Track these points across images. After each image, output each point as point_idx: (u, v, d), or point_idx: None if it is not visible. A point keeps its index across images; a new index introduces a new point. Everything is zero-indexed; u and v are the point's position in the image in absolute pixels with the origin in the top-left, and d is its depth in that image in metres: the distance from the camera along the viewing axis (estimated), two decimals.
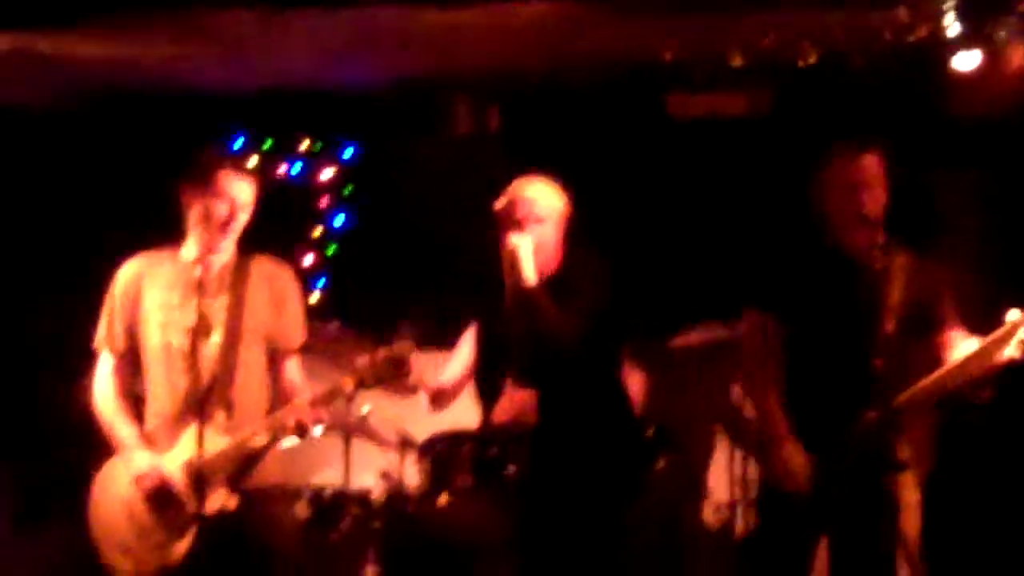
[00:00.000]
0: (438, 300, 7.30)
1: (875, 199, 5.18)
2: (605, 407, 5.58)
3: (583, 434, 5.44)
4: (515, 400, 5.37)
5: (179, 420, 5.23)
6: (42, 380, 7.15)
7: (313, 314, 5.77)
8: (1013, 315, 4.88)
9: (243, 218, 5.32)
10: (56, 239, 7.58)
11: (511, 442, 5.37)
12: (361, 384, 5.20)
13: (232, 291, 5.29)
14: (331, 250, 8.49)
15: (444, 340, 6.19)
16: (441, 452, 5.58)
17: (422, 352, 5.41)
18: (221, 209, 5.24)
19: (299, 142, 8.51)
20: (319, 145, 8.51)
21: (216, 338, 5.23)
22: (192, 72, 7.62)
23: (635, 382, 6.19)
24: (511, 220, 5.48)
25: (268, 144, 8.48)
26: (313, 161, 8.53)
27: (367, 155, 8.49)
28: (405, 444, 6.62)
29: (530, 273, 5.36)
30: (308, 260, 8.41)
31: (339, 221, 8.51)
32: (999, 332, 4.93)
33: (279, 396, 5.38)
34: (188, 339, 5.20)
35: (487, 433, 5.48)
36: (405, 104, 7.82)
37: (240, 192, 5.29)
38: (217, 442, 5.13)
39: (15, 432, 7.48)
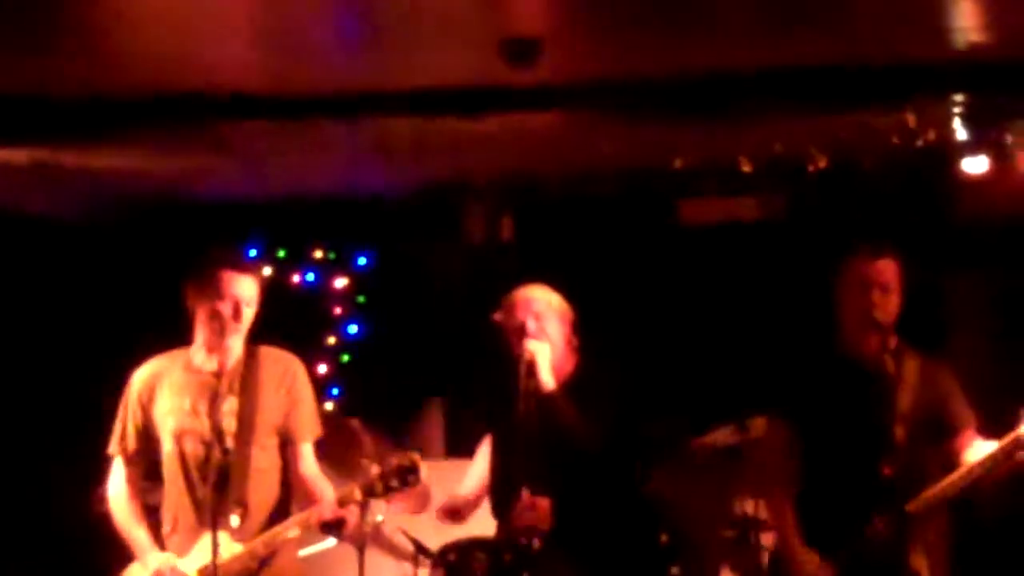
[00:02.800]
0: (451, 408, 7.32)
1: (889, 303, 5.21)
2: (619, 512, 5.58)
3: (598, 540, 5.44)
4: (530, 506, 5.36)
5: (195, 525, 5.22)
6: (61, 486, 7.14)
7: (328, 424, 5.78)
8: None
9: (249, 315, 5.33)
10: (77, 345, 7.62)
11: (525, 549, 5.36)
12: (371, 493, 5.20)
13: (243, 390, 5.27)
14: (345, 358, 8.51)
15: (458, 448, 6.20)
16: (455, 561, 5.57)
17: (436, 460, 5.43)
18: (225, 308, 5.26)
19: (313, 251, 8.56)
20: (333, 254, 8.55)
21: (229, 441, 5.19)
22: (208, 183, 7.70)
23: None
24: (514, 323, 5.52)
25: (282, 253, 8.53)
26: (327, 269, 8.56)
27: (381, 263, 8.53)
28: (419, 553, 6.60)
29: (548, 378, 5.40)
30: (322, 369, 8.42)
31: (353, 330, 8.53)
32: (1012, 436, 4.93)
33: (294, 486, 5.37)
34: (201, 446, 5.22)
35: (501, 541, 5.47)
36: (419, 212, 7.88)
37: (243, 289, 5.31)
38: (232, 547, 5.12)
39: (35, 538, 7.48)
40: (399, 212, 7.93)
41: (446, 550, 5.63)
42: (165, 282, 5.51)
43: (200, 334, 5.34)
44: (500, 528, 5.57)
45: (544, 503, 5.35)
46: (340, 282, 8.55)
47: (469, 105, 6.03)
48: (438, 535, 5.92)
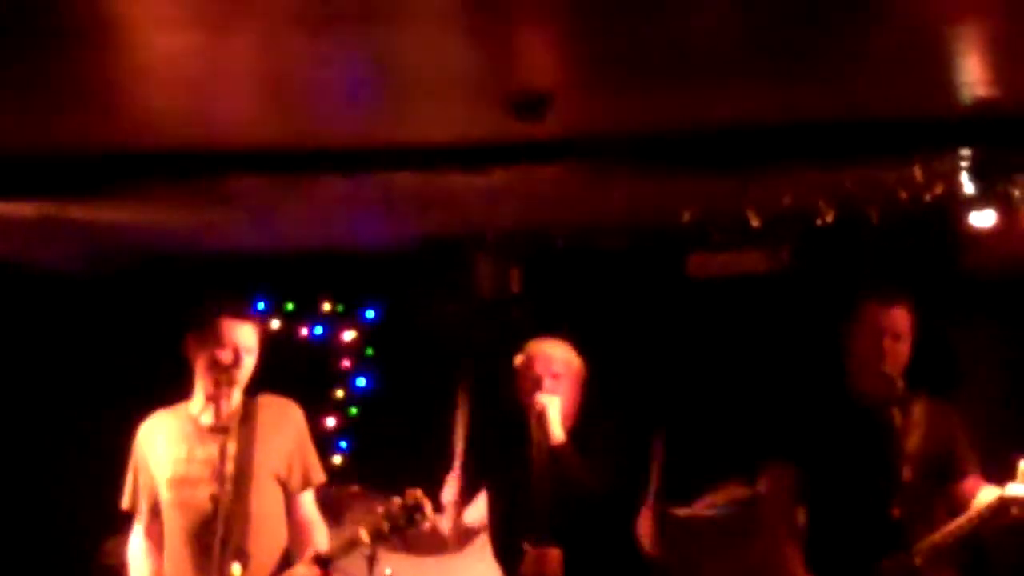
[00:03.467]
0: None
1: (900, 351, 5.26)
2: (627, 564, 5.60)
3: None
4: (539, 557, 5.37)
5: (196, 574, 5.21)
6: (76, 541, 7.13)
7: (335, 477, 5.77)
8: None
9: (248, 363, 5.34)
10: (82, 398, 7.62)
11: None
12: (378, 534, 5.19)
13: (241, 438, 5.26)
14: (353, 411, 8.50)
15: (468, 498, 6.19)
16: None
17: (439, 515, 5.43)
18: (225, 356, 5.28)
19: (321, 304, 8.57)
20: (341, 307, 8.56)
21: (228, 488, 5.19)
22: (215, 236, 7.71)
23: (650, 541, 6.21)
24: (530, 377, 5.55)
25: (290, 306, 8.54)
26: (335, 323, 8.57)
27: (389, 316, 8.53)
28: None
29: (558, 430, 5.44)
30: (330, 422, 8.41)
31: (361, 383, 8.52)
32: (1016, 483, 4.94)
33: (295, 533, 5.37)
34: (200, 493, 5.22)
35: None
36: (427, 265, 7.89)
37: (243, 337, 5.32)
38: None
39: None
40: (407, 265, 7.94)
41: None
42: (171, 335, 5.52)
43: (200, 384, 5.36)
44: None
45: (554, 553, 5.36)
46: (348, 335, 8.55)
47: (477, 158, 6.05)
48: None
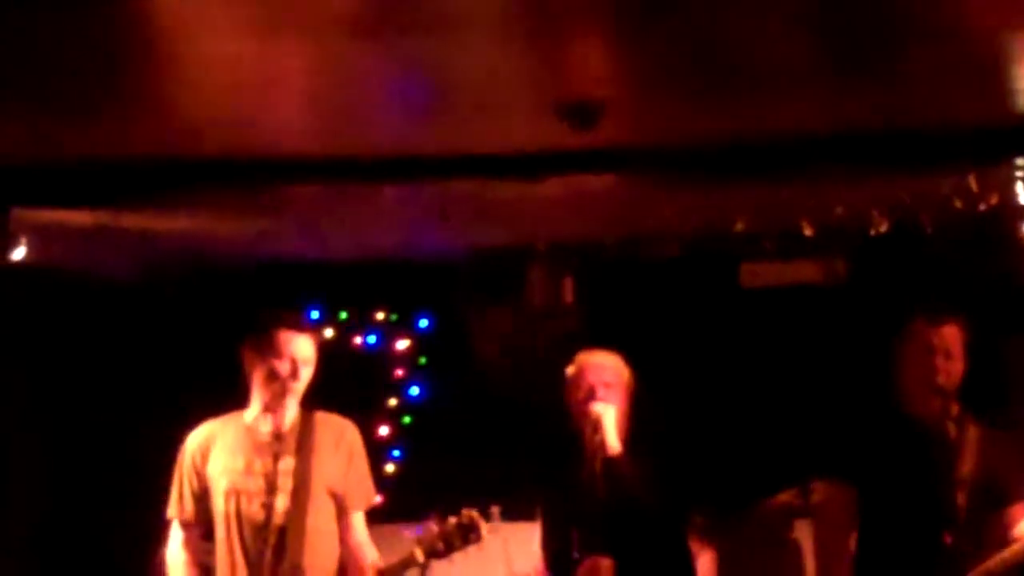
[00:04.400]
0: (513, 470, 7.29)
1: (953, 369, 5.19)
2: (677, 573, 5.59)
3: None
4: (592, 569, 5.36)
5: None
6: (119, 550, 7.16)
7: (389, 486, 5.77)
8: None
9: (306, 375, 5.35)
10: (135, 406, 7.66)
11: None
12: (432, 554, 5.19)
13: (298, 451, 5.28)
14: (407, 420, 8.51)
15: (518, 511, 6.18)
16: None
17: (500, 523, 5.42)
18: (283, 368, 5.28)
19: (375, 313, 8.59)
20: (395, 316, 8.58)
21: (284, 501, 5.23)
22: (269, 245, 7.74)
23: (705, 557, 6.20)
24: (582, 387, 5.54)
25: (344, 315, 8.57)
26: (389, 332, 8.58)
27: (442, 326, 8.54)
28: None
29: (613, 441, 5.42)
30: (383, 431, 8.43)
31: (414, 392, 8.54)
32: None
33: (346, 553, 5.37)
34: (256, 506, 5.24)
35: None
36: (480, 275, 7.90)
37: (300, 349, 5.33)
38: None
39: None
40: (460, 274, 7.96)
41: None
42: (224, 345, 5.54)
43: (256, 395, 5.37)
44: None
45: (607, 563, 5.35)
46: (402, 344, 8.56)
47: (530, 168, 6.05)
48: None
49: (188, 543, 5.41)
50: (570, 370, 5.65)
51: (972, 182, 6.03)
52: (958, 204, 6.27)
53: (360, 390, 8.38)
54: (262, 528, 5.22)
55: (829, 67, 5.09)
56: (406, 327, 8.57)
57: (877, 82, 5.25)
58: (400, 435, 8.46)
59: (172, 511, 5.42)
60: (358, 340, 8.57)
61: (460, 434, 8.15)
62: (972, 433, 5.17)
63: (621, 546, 5.36)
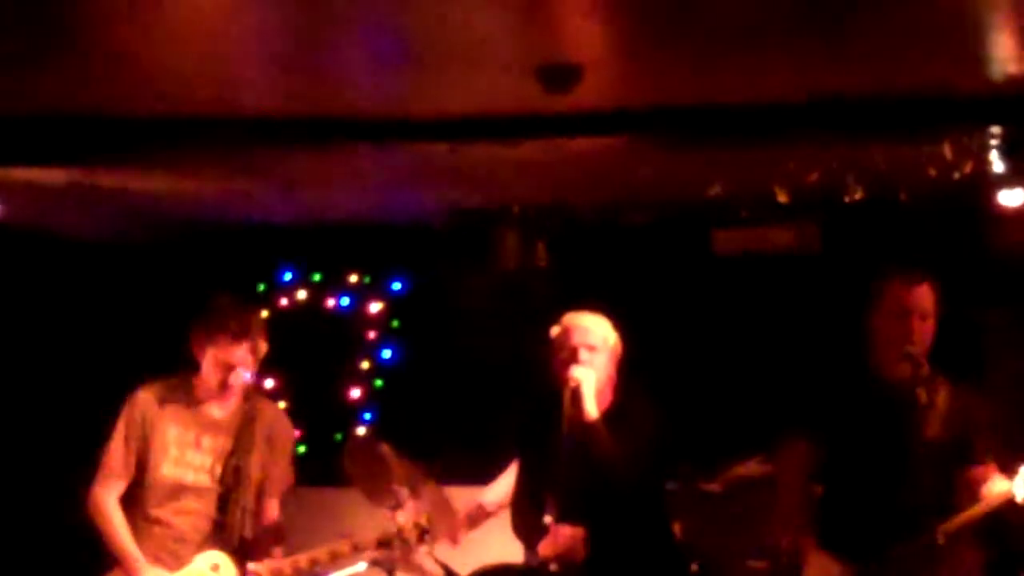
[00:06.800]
0: (484, 434, 7.30)
1: (925, 330, 5.23)
2: (652, 542, 5.57)
3: (629, 570, 5.42)
4: (563, 535, 5.33)
5: (188, 547, 5.44)
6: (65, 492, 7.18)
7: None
8: None
9: (257, 355, 5.52)
10: (108, 367, 7.64)
11: None
12: (386, 545, 5.31)
13: (240, 434, 5.47)
14: (378, 383, 8.52)
15: (487, 475, 6.20)
16: None
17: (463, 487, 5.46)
18: (233, 356, 5.45)
19: (348, 275, 8.58)
20: (368, 278, 8.57)
21: (226, 478, 5.44)
22: (244, 207, 7.73)
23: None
24: (565, 348, 5.50)
25: (317, 277, 8.56)
26: (362, 294, 8.58)
27: (415, 288, 8.54)
28: None
29: (591, 407, 5.38)
30: (355, 393, 8.44)
31: (387, 354, 8.54)
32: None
33: (262, 535, 5.58)
34: (201, 477, 5.47)
35: (534, 568, 5.45)
36: (453, 238, 7.89)
37: (250, 333, 5.46)
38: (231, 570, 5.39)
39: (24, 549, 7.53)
40: (434, 237, 7.95)
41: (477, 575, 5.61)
42: (197, 306, 5.55)
43: (208, 373, 5.50)
44: (528, 554, 5.54)
45: (579, 532, 5.33)
46: (375, 307, 8.57)
47: (506, 131, 6.03)
48: (466, 560, 5.90)
49: (127, 494, 5.51)
50: (555, 330, 5.59)
51: (947, 150, 6.03)
52: (933, 172, 6.28)
53: (332, 352, 8.39)
54: (206, 500, 5.47)
55: (805, 32, 5.07)
56: (379, 289, 8.57)
57: (852, 48, 5.24)
58: (372, 398, 8.48)
59: (115, 463, 5.49)
60: (331, 302, 8.58)
61: (432, 397, 8.16)
62: (942, 395, 5.22)
63: (596, 514, 5.34)
